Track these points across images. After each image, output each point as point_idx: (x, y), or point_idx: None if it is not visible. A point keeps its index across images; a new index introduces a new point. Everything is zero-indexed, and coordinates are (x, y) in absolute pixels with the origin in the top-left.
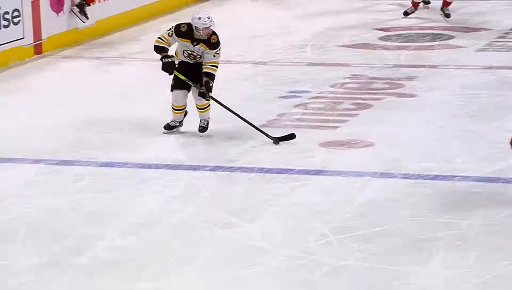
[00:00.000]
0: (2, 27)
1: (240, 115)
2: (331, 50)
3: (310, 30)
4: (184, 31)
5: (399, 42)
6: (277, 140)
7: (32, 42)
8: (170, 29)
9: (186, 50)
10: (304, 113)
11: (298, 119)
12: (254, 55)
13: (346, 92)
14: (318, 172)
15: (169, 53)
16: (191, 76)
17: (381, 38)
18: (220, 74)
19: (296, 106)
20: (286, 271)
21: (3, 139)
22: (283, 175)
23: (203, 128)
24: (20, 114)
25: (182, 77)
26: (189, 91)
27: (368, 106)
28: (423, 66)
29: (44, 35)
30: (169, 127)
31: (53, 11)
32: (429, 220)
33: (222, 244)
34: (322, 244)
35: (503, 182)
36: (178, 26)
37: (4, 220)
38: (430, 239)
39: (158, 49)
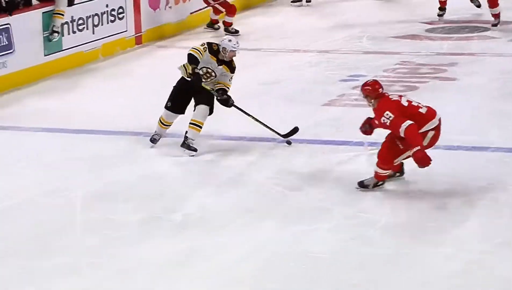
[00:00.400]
0: (109, 22)
1: (260, 120)
2: (383, 40)
3: (364, 25)
4: (215, 50)
5: (442, 33)
6: (287, 139)
7: (134, 34)
8: (203, 45)
9: (206, 68)
10: (360, 94)
11: (355, 99)
12: (318, 45)
13: (397, 76)
14: (372, 144)
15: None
16: (200, 90)
17: (427, 30)
18: (290, 61)
19: (354, 88)
20: (345, 227)
21: (109, 115)
22: (342, 146)
23: (188, 147)
24: (123, 95)
25: (208, 88)
26: (183, 113)
27: (415, 88)
28: (463, 54)
29: (143, 28)
30: (154, 141)
31: (151, 8)
32: (467, 184)
33: (291, 204)
34: (375, 204)
35: None
36: (210, 44)
37: (111, 182)
38: (467, 200)
39: (192, 58)
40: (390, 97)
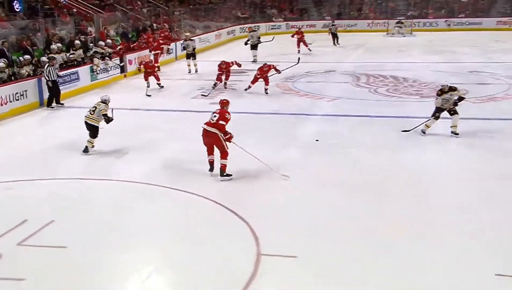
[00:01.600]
0: (114, 69)
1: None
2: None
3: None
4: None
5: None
6: None
7: (123, 73)
8: (108, 105)
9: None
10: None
11: (245, 89)
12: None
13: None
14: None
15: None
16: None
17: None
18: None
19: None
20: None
21: (127, 103)
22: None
23: (86, 150)
24: (125, 93)
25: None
26: None
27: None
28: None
29: (126, 71)
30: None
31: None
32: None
33: None
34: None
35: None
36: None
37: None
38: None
39: (110, 117)
40: None
